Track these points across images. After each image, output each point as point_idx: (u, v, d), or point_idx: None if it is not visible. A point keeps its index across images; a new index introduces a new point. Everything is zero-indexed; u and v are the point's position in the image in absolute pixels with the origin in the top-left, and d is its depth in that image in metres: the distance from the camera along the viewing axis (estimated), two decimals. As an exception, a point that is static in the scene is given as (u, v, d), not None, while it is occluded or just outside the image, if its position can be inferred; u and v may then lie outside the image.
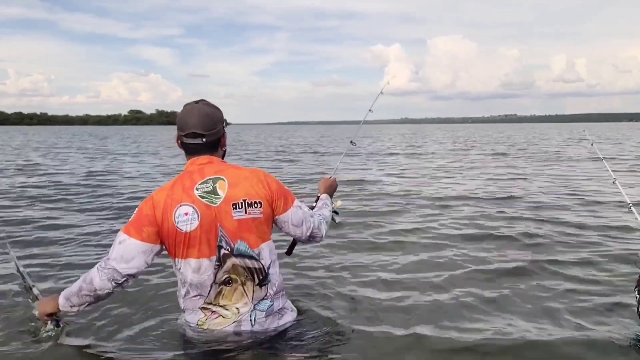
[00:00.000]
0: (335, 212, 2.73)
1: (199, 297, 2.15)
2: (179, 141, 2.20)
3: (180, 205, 2.06)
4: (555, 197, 6.77)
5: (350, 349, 2.27)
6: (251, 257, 2.12)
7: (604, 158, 3.75)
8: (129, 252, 2.07)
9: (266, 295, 2.17)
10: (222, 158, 2.28)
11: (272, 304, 2.19)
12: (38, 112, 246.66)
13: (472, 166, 11.97)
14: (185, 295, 2.17)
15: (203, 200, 2.07)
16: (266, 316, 2.18)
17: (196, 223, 2.05)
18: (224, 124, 2.25)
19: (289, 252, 2.83)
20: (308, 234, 2.32)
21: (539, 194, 7.06)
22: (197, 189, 2.09)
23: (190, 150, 2.18)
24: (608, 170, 3.40)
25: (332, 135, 45.99)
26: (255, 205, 2.12)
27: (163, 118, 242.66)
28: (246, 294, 2.15)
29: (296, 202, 2.30)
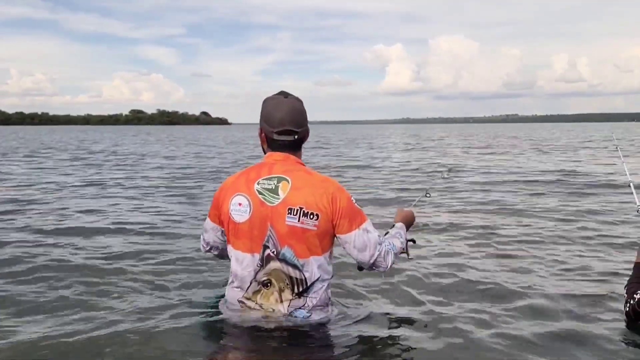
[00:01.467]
0: (411, 241, 2.51)
1: (239, 289, 2.16)
2: (264, 135, 2.15)
3: (237, 195, 2.09)
4: None
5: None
6: (295, 266, 2.06)
7: None
8: (206, 225, 2.32)
9: (304, 305, 2.12)
10: (301, 156, 2.21)
11: (310, 315, 2.13)
12: (40, 112, 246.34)
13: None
14: (230, 284, 2.21)
15: (260, 196, 2.06)
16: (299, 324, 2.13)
17: (247, 216, 2.06)
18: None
19: (361, 269, 2.52)
20: (372, 261, 2.17)
21: None
22: (258, 183, 2.07)
23: (277, 147, 2.13)
24: None
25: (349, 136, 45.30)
26: (311, 216, 2.02)
27: (164, 118, 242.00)
28: (281, 300, 2.10)
29: (365, 224, 2.12)
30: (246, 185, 2.09)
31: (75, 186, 8.66)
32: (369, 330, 2.35)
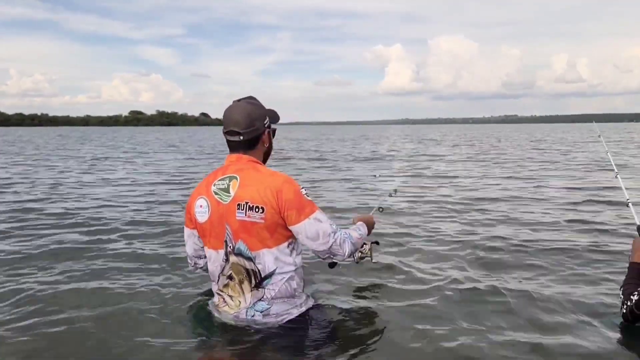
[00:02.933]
0: (375, 242, 2.68)
1: (214, 283, 2.35)
2: (224, 137, 2.30)
3: (199, 197, 2.27)
4: None
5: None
6: (249, 259, 2.19)
7: None
8: (185, 235, 2.45)
9: (263, 297, 2.23)
10: (265, 156, 2.36)
11: (270, 307, 2.23)
12: (39, 113, 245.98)
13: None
14: (210, 278, 2.38)
15: (215, 196, 2.21)
16: (263, 316, 2.24)
17: (206, 216, 2.23)
18: (267, 122, 2.30)
19: (332, 266, 2.80)
20: (326, 249, 2.24)
21: None
22: (214, 185, 2.23)
23: (230, 147, 2.29)
24: None
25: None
26: (257, 209, 2.14)
27: (163, 119, 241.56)
28: (243, 292, 2.25)
29: (316, 214, 2.20)
30: (206, 187, 2.27)
31: None
32: (336, 325, 2.42)
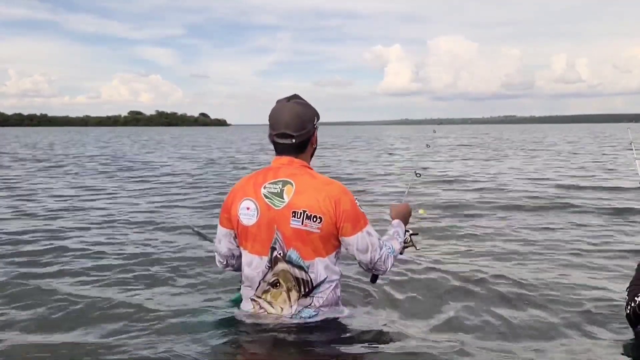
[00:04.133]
0: (414, 234, 2.53)
1: (250, 288, 2.24)
2: (271, 138, 2.21)
3: (245, 199, 2.16)
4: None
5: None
6: (300, 268, 2.12)
7: None
8: (219, 234, 2.34)
9: (311, 304, 2.17)
10: (311, 156, 2.29)
11: (317, 314, 2.18)
12: (38, 114, 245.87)
13: None
14: (243, 282, 2.29)
15: (266, 200, 2.12)
16: (307, 322, 2.18)
17: (254, 220, 2.14)
18: (315, 122, 2.22)
19: (373, 280, 2.61)
20: (372, 264, 2.22)
21: None
22: (264, 187, 2.14)
23: (279, 149, 2.20)
24: None
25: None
26: (314, 219, 2.08)
27: (163, 119, 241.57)
28: (289, 300, 2.17)
29: (367, 227, 2.18)
30: (253, 189, 2.16)
31: None
32: (376, 332, 2.36)
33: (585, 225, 5.14)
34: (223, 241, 2.33)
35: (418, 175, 3.38)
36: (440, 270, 3.53)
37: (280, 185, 2.12)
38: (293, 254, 2.11)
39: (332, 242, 2.14)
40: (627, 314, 2.35)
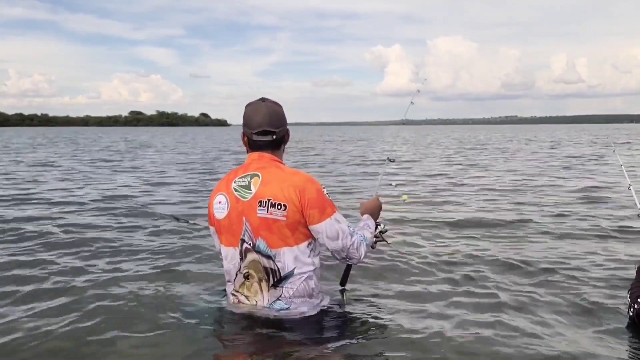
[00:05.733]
0: (383, 231, 2.56)
1: (229, 282, 2.33)
2: (246, 138, 2.30)
3: (218, 194, 2.27)
4: None
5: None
6: (268, 257, 2.19)
7: None
8: (211, 232, 2.43)
9: (281, 296, 2.22)
10: (282, 153, 2.36)
11: (288, 307, 2.23)
12: (39, 114, 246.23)
13: None
14: (226, 278, 2.37)
15: (235, 193, 2.21)
16: (281, 314, 2.24)
17: (225, 212, 2.23)
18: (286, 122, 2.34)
19: (343, 283, 2.73)
20: (345, 252, 2.28)
21: None
22: (235, 182, 2.23)
23: (258, 147, 2.28)
24: None
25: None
26: (279, 207, 2.15)
27: (163, 119, 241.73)
28: (261, 291, 2.24)
29: (336, 215, 2.24)
30: (226, 184, 2.28)
31: None
32: (354, 325, 2.40)
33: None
34: (215, 239, 2.42)
35: (391, 160, 3.40)
36: (415, 258, 3.66)
37: (249, 178, 2.22)
38: (261, 243, 2.18)
39: (300, 230, 2.19)
40: (630, 316, 2.37)
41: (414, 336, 2.31)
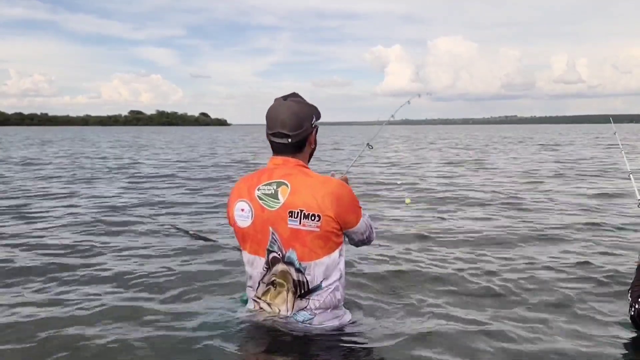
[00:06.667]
0: None
1: (252, 289, 2.23)
2: (267, 138, 2.17)
3: (240, 200, 2.14)
4: None
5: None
6: (298, 269, 2.09)
7: None
8: (233, 232, 2.26)
9: (307, 307, 2.14)
10: (310, 156, 2.25)
11: (312, 318, 2.14)
12: (39, 113, 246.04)
13: None
14: (247, 283, 2.28)
15: (260, 201, 2.09)
16: (303, 326, 2.15)
17: (249, 221, 2.12)
18: (314, 122, 2.17)
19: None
20: (367, 240, 2.28)
21: None
22: (258, 189, 2.11)
23: (275, 149, 2.16)
24: None
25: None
26: (312, 217, 2.04)
27: (163, 119, 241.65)
28: (287, 301, 2.14)
29: (362, 209, 2.21)
30: (247, 191, 2.14)
31: None
32: (378, 339, 2.30)
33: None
34: (236, 236, 2.27)
35: (370, 147, 3.34)
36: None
37: (275, 187, 2.08)
38: (292, 255, 2.08)
39: (332, 240, 2.10)
40: (631, 315, 2.36)
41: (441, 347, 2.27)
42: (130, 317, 2.59)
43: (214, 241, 3.40)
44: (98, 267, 3.55)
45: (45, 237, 4.62)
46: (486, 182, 9.08)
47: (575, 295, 3.01)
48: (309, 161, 2.24)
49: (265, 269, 2.14)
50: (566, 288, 3.15)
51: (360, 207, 2.19)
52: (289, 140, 2.10)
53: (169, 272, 3.43)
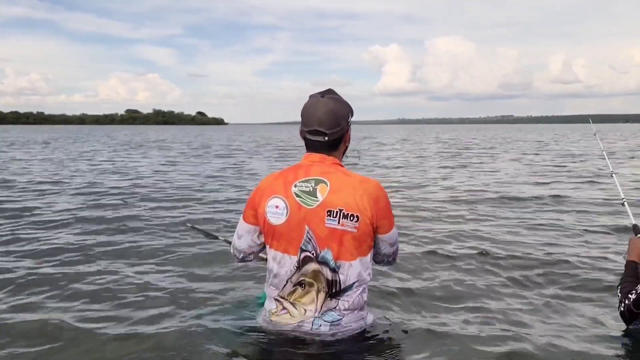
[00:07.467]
0: None
1: (275, 287, 2.15)
2: (302, 135, 2.14)
3: (274, 197, 2.07)
4: None
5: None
6: (332, 269, 2.05)
7: None
8: (240, 230, 2.23)
9: (336, 307, 2.09)
10: (343, 154, 2.21)
11: (340, 319, 2.10)
12: (35, 112, 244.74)
13: None
14: (267, 281, 2.19)
15: (297, 198, 2.04)
16: (331, 327, 2.10)
17: (284, 219, 2.05)
18: (349, 119, 2.14)
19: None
20: (392, 256, 2.23)
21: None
22: (295, 186, 2.06)
23: (311, 147, 2.13)
24: None
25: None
26: (351, 218, 2.00)
27: (159, 118, 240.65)
28: (315, 301, 2.09)
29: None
30: (284, 187, 2.07)
31: None
32: (400, 340, 2.29)
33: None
34: (245, 237, 2.23)
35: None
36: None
37: (313, 184, 2.04)
38: (327, 255, 2.03)
39: (367, 242, 2.07)
40: (621, 311, 2.36)
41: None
42: (141, 321, 2.57)
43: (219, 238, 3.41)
44: (104, 271, 3.49)
45: (44, 238, 4.63)
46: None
47: (563, 291, 3.04)
48: (342, 159, 2.21)
49: (295, 268, 2.07)
50: (555, 284, 3.18)
51: (393, 216, 2.13)
52: (326, 138, 2.07)
53: (178, 274, 3.42)
